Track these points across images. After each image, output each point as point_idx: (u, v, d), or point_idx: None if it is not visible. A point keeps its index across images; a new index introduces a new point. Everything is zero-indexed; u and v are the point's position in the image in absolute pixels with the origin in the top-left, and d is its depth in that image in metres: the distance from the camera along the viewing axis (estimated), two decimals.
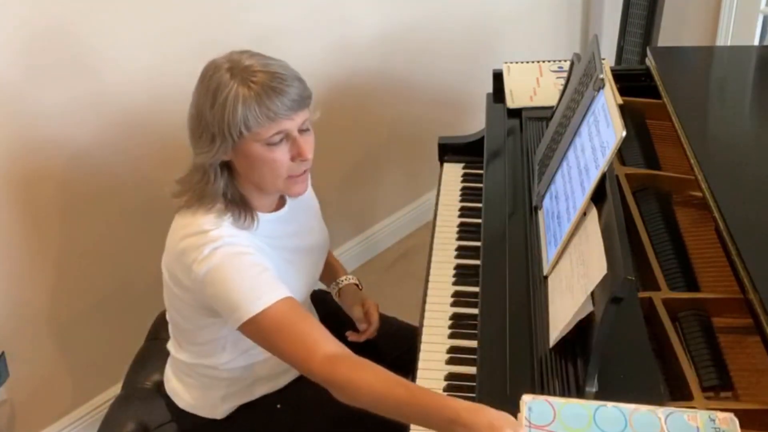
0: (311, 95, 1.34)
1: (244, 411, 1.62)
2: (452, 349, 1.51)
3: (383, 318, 1.87)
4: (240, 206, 1.37)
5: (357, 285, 1.79)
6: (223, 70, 1.29)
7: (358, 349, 1.79)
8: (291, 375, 1.65)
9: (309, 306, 1.72)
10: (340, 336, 1.82)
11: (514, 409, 1.10)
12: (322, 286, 1.85)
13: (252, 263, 1.33)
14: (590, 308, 1.21)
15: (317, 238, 1.64)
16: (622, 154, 1.78)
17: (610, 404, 1.08)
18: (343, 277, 1.79)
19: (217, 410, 1.60)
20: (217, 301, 1.33)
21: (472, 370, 1.42)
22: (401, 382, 1.24)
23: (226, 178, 1.36)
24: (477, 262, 1.61)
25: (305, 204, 1.58)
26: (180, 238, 1.37)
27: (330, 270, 1.82)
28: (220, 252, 1.31)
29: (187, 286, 1.38)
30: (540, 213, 1.56)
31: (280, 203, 1.50)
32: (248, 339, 1.37)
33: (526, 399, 1.10)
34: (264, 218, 1.43)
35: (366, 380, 1.24)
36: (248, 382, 1.60)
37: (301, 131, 1.34)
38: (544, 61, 2.13)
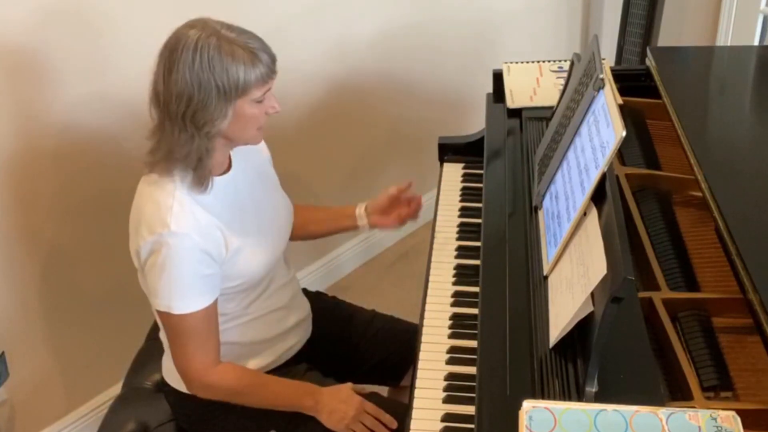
0: None
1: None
2: (452, 349, 1.51)
3: (380, 316, 1.87)
4: (204, 170, 1.47)
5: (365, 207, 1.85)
6: (213, 43, 1.38)
7: (355, 344, 1.80)
8: (278, 350, 1.68)
9: (287, 267, 1.75)
10: (342, 335, 1.83)
11: (514, 409, 1.10)
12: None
13: (190, 265, 1.45)
14: (590, 308, 1.21)
15: (273, 199, 1.69)
16: (622, 154, 1.78)
17: (610, 408, 1.07)
18: (357, 213, 1.83)
19: None
20: (150, 281, 1.47)
21: (472, 370, 1.42)
22: (255, 381, 1.58)
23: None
24: (477, 262, 1.61)
25: (251, 163, 1.66)
26: (140, 208, 1.48)
27: (334, 215, 1.87)
28: (168, 243, 1.42)
29: (134, 251, 1.49)
30: (540, 213, 1.56)
31: (228, 166, 1.59)
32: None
33: (526, 407, 1.09)
34: (218, 181, 1.52)
35: (228, 382, 1.54)
36: (235, 353, 1.62)
37: None
38: (544, 61, 2.13)
